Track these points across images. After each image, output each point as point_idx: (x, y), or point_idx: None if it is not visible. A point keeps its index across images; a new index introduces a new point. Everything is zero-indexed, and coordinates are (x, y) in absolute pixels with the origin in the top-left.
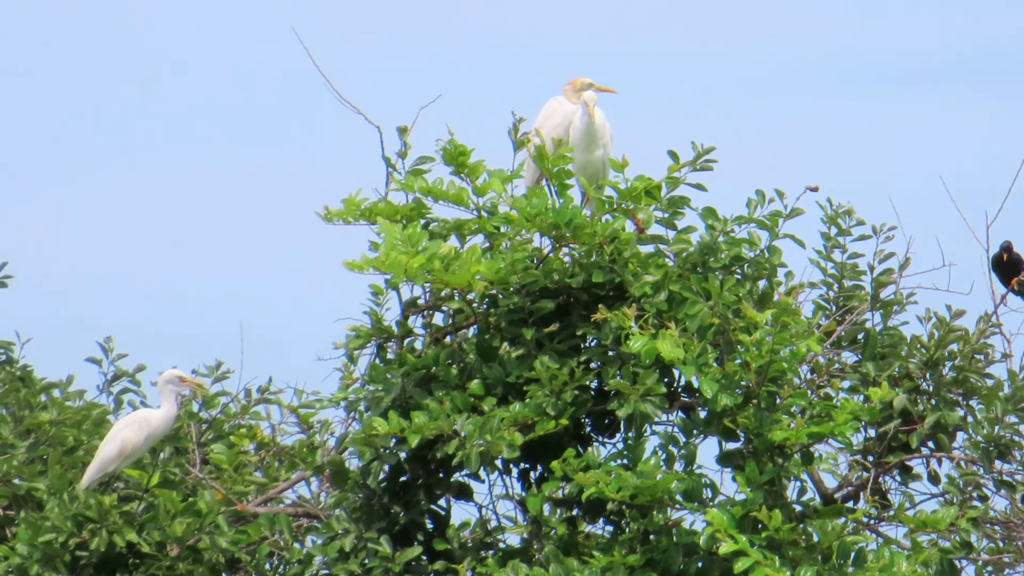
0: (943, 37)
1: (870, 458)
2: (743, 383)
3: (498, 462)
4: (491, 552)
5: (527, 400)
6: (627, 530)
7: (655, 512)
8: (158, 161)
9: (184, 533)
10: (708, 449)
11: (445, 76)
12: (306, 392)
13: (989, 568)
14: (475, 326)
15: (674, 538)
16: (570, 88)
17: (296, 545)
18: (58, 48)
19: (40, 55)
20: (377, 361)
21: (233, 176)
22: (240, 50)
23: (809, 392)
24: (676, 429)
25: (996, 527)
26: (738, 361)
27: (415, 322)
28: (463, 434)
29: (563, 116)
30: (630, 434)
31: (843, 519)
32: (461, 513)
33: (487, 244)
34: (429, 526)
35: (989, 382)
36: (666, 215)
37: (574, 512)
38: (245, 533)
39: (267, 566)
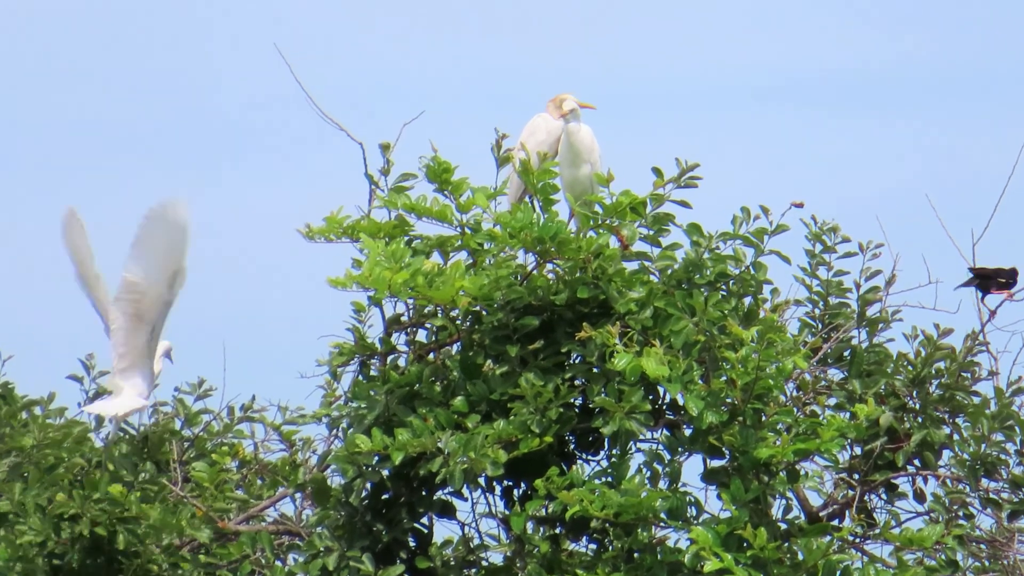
0: (937, 46)
1: (856, 476)
2: (728, 400)
3: (481, 480)
4: (474, 570)
5: (511, 417)
6: (611, 548)
7: (639, 530)
8: (138, 171)
9: (164, 538)
10: (693, 467)
11: (429, 93)
12: (290, 408)
13: None
14: (459, 343)
15: (658, 556)
16: (552, 104)
17: (278, 563)
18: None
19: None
20: (360, 378)
21: (212, 194)
22: (219, 63)
23: (795, 409)
24: (661, 447)
25: (982, 545)
26: (723, 378)
27: (398, 339)
28: (447, 451)
29: (547, 132)
30: (615, 452)
31: (828, 537)
32: (444, 531)
33: (471, 261)
34: (412, 544)
35: (976, 400)
36: (651, 231)
37: (557, 530)
38: (226, 550)
39: None
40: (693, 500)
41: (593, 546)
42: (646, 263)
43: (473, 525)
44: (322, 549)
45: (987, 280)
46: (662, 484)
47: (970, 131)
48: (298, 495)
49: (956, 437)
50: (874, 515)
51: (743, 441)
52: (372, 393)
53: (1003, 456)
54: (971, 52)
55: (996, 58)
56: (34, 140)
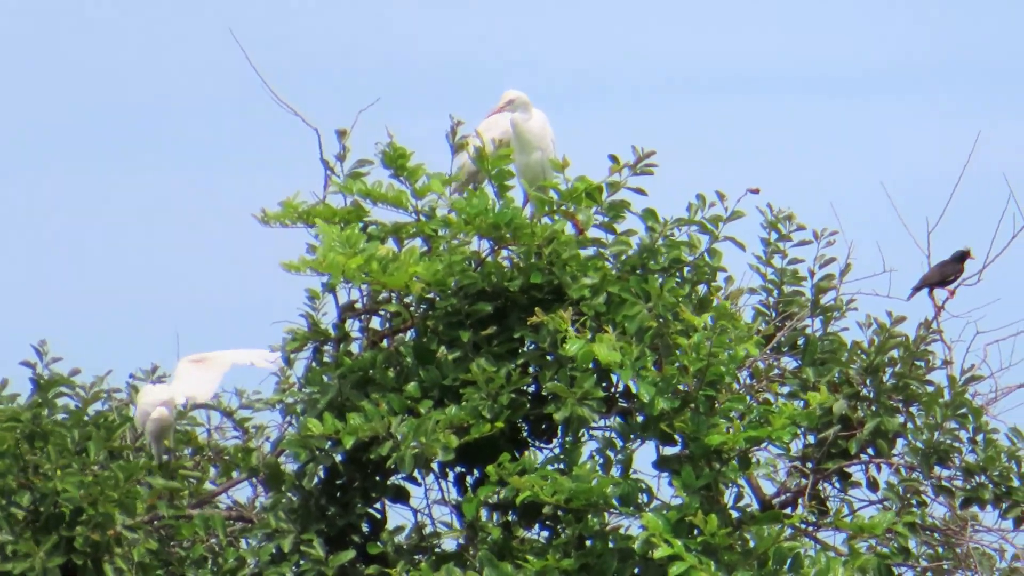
0: (895, 41)
1: (809, 464)
2: (681, 387)
3: (434, 465)
4: (426, 556)
5: (463, 403)
6: (563, 535)
7: (591, 516)
8: (95, 162)
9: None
10: (645, 454)
11: (385, 80)
12: (248, 393)
13: (928, 574)
14: (413, 329)
15: (610, 543)
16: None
17: (230, 548)
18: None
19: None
20: (314, 364)
21: (167, 175)
22: (175, 48)
23: (748, 397)
24: (613, 433)
25: (936, 534)
26: (676, 365)
27: (352, 325)
28: (398, 436)
29: (505, 120)
30: (567, 438)
31: (780, 525)
32: (397, 517)
33: (426, 247)
34: (366, 529)
35: (929, 388)
36: (606, 218)
37: (510, 517)
38: (178, 530)
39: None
40: (645, 487)
41: (545, 533)
42: (601, 249)
43: (426, 511)
44: (276, 530)
45: (935, 284)
46: (614, 471)
47: (925, 120)
48: (251, 484)
49: (910, 425)
50: (827, 503)
51: (695, 428)
52: (325, 378)
53: (956, 444)
54: (929, 42)
55: (954, 48)
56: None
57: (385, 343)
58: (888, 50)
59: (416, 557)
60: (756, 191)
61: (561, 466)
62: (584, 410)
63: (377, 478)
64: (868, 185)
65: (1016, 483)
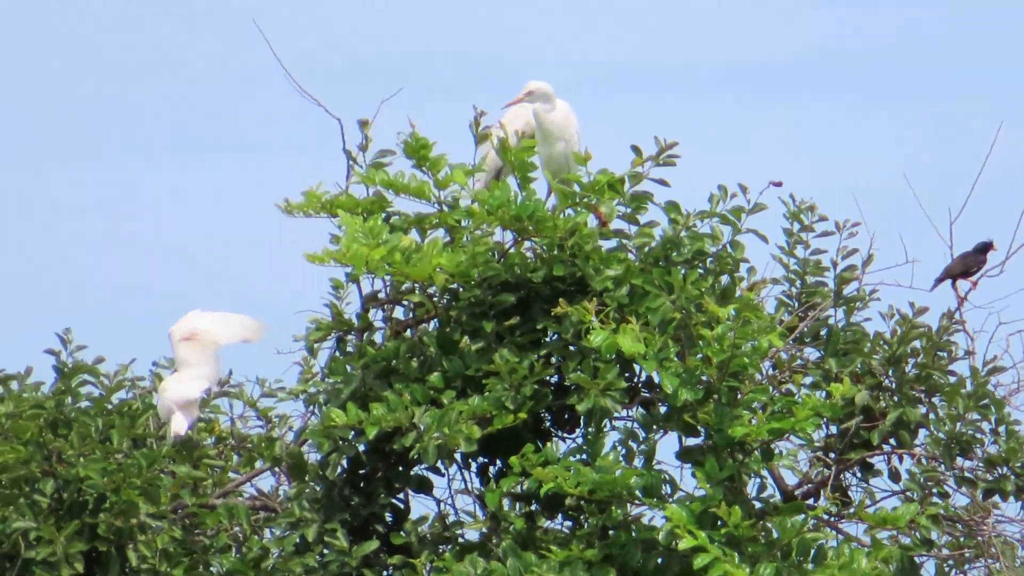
0: (914, 33)
1: (831, 455)
2: (704, 378)
3: (457, 456)
4: (449, 547)
5: (486, 393)
6: (586, 525)
7: (614, 507)
8: (114, 147)
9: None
10: (668, 445)
11: (408, 70)
12: (267, 383)
13: (950, 564)
14: (436, 320)
15: (633, 534)
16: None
17: (254, 537)
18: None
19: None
20: (337, 354)
21: (192, 169)
22: (199, 42)
23: (771, 388)
24: (636, 424)
25: (958, 524)
26: (699, 356)
27: (375, 316)
28: (421, 427)
29: (527, 111)
30: (590, 429)
31: (803, 516)
32: (420, 507)
33: (448, 238)
34: (389, 519)
35: (952, 379)
36: (629, 210)
37: (532, 507)
38: (202, 519)
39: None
40: (668, 478)
41: (568, 523)
42: (624, 241)
43: (449, 502)
44: (300, 519)
45: (957, 275)
46: (637, 462)
47: (948, 112)
48: (274, 473)
49: (932, 416)
50: (849, 494)
51: (718, 419)
52: (348, 368)
53: (978, 435)
54: (952, 35)
55: (974, 39)
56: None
57: (408, 333)
58: (909, 41)
59: (439, 547)
60: (778, 184)
61: (584, 457)
62: (607, 401)
63: (400, 468)
64: (891, 176)
65: None
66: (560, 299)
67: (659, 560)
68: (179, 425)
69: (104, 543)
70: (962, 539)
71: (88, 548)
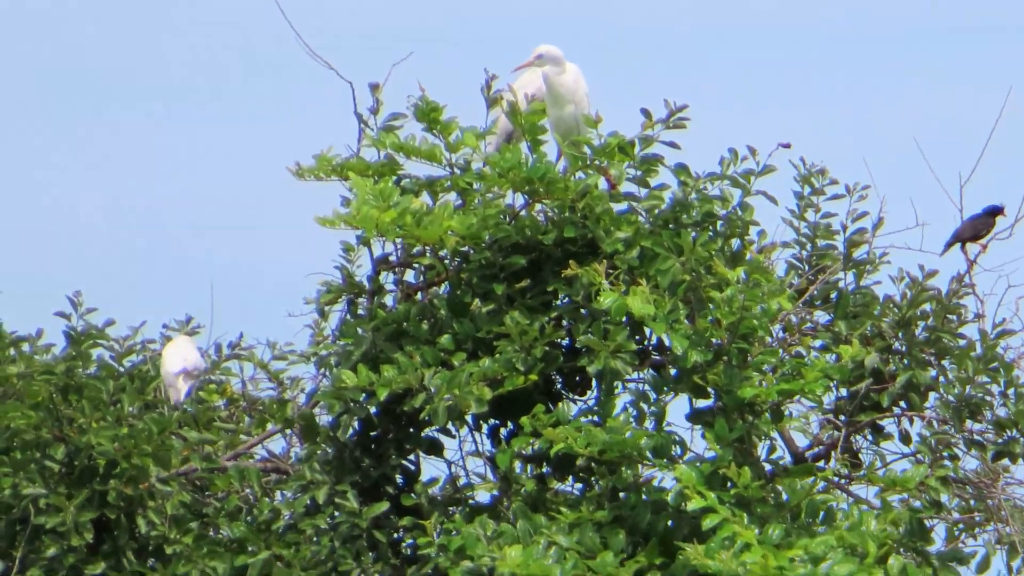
0: None
1: (841, 418)
2: (714, 340)
3: (468, 418)
4: (459, 508)
5: (497, 355)
6: (596, 487)
7: (624, 469)
8: (126, 114)
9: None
10: (679, 407)
11: (418, 34)
12: (279, 345)
13: (960, 527)
14: (447, 282)
15: (643, 495)
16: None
17: (265, 499)
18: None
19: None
20: (348, 317)
21: (204, 133)
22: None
23: (780, 350)
24: (646, 386)
25: (968, 487)
26: (709, 318)
27: (386, 278)
28: (432, 389)
29: (538, 76)
30: (601, 391)
31: (813, 478)
32: (431, 469)
33: (459, 201)
34: (400, 481)
35: (961, 342)
36: (639, 173)
37: (543, 469)
38: (213, 483)
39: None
40: (678, 440)
41: (579, 485)
42: (634, 204)
43: (460, 463)
44: (311, 481)
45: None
46: (648, 424)
47: (958, 74)
48: (287, 433)
49: (941, 379)
50: (859, 456)
51: (728, 381)
52: (359, 331)
53: (987, 398)
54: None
55: (988, 7)
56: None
57: (419, 296)
58: (922, 3)
59: (450, 509)
60: (788, 146)
61: (595, 419)
62: (617, 363)
63: (411, 430)
64: (901, 139)
65: None
66: (571, 261)
67: (669, 522)
68: (177, 393)
69: (113, 511)
70: (972, 502)
71: (97, 516)
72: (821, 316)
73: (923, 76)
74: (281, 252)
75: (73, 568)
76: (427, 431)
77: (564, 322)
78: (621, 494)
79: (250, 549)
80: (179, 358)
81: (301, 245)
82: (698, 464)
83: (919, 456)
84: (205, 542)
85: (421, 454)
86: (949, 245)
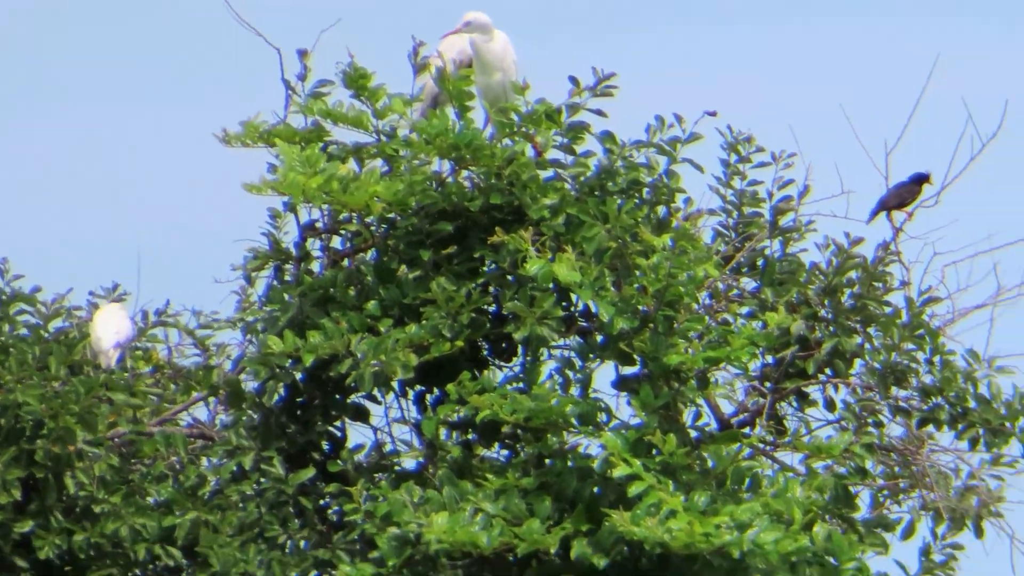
0: None
1: (767, 384)
2: (640, 307)
3: (394, 384)
4: (386, 475)
5: (423, 322)
6: (522, 454)
7: (550, 436)
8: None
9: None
10: (605, 374)
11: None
12: (205, 313)
13: (885, 494)
14: (373, 249)
15: (569, 462)
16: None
17: (191, 465)
18: None
19: None
20: (275, 283)
21: (131, 99)
22: None
23: (707, 317)
24: (573, 353)
25: (893, 454)
26: (635, 286)
27: (314, 245)
28: (358, 355)
29: (462, 49)
30: (527, 358)
31: (738, 445)
32: (358, 436)
33: (386, 168)
34: (326, 447)
35: (887, 310)
36: (566, 141)
37: (469, 436)
38: (140, 448)
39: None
40: (604, 407)
41: (504, 452)
42: (560, 171)
43: (386, 430)
44: (237, 447)
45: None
46: (574, 391)
47: (884, 42)
48: (213, 400)
49: (867, 346)
50: (784, 423)
51: (654, 348)
52: (286, 297)
53: (913, 365)
54: None
55: None
56: None
57: (346, 262)
58: None
59: (376, 475)
60: (714, 114)
61: (521, 386)
62: (544, 329)
63: (337, 396)
64: (827, 108)
65: (972, 404)
66: (497, 228)
67: (595, 488)
68: (108, 360)
69: (41, 470)
70: (897, 469)
71: (26, 475)
72: (747, 283)
73: (849, 45)
74: (209, 219)
75: (1, 526)
76: (353, 397)
77: (491, 289)
78: (547, 461)
79: (177, 512)
80: (111, 327)
81: (228, 212)
82: (624, 431)
83: (844, 423)
84: (133, 502)
85: (347, 420)
86: (875, 213)
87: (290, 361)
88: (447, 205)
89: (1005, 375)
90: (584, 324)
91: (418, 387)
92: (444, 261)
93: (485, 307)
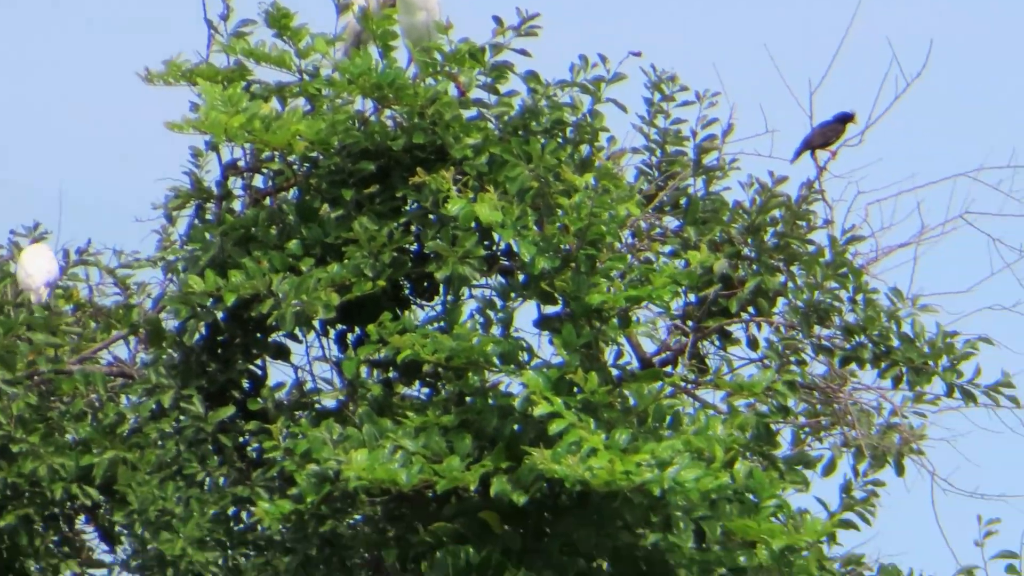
0: None
1: (689, 323)
2: (562, 247)
3: (315, 323)
4: (306, 413)
5: (345, 261)
6: (443, 392)
7: (471, 374)
8: None
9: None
10: (526, 313)
11: None
12: (126, 252)
13: (806, 431)
14: (295, 188)
15: (490, 400)
16: None
17: (110, 403)
18: None
19: None
20: (196, 222)
21: (51, 35)
22: None
23: (629, 256)
24: (494, 293)
25: (815, 392)
26: (558, 225)
27: (235, 184)
28: (280, 294)
29: None
30: (448, 297)
31: (660, 383)
32: (278, 374)
33: (309, 107)
34: (247, 386)
35: (811, 248)
36: (489, 80)
37: (390, 374)
38: (59, 386)
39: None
40: (526, 346)
41: (425, 390)
42: (483, 111)
43: (307, 369)
44: (156, 385)
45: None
46: (495, 330)
47: None
48: (133, 339)
49: (790, 285)
50: (707, 361)
51: (576, 287)
52: (207, 236)
53: (836, 304)
54: None
55: None
56: None
57: (268, 201)
58: None
59: (296, 413)
60: (638, 54)
61: (442, 325)
62: (465, 269)
63: (258, 335)
64: (751, 46)
65: (895, 343)
66: (419, 168)
67: (515, 426)
68: (39, 298)
69: None
70: (819, 407)
71: None
72: (670, 222)
73: None
74: (130, 157)
75: None
76: (274, 336)
77: (413, 228)
78: (468, 399)
79: (95, 451)
80: (44, 265)
81: (150, 150)
82: (545, 370)
83: (767, 361)
84: (52, 440)
85: (268, 359)
86: (799, 152)
87: (211, 300)
88: (370, 144)
89: (928, 314)
90: (506, 263)
91: (339, 326)
92: (366, 200)
93: (407, 247)
